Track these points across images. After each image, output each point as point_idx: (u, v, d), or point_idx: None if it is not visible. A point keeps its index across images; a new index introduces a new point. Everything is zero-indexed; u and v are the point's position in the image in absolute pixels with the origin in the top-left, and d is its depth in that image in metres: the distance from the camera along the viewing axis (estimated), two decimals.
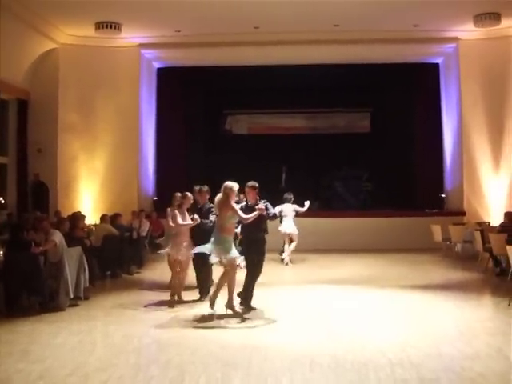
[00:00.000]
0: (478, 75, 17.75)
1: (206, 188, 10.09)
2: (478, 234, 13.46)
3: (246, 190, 9.05)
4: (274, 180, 19.24)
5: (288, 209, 14.35)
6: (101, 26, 16.39)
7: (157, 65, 19.48)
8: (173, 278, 9.85)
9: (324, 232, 16.04)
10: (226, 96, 21.37)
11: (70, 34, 17.36)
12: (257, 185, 9.10)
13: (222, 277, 8.76)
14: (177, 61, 19.27)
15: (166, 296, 9.85)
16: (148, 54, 18.62)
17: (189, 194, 9.84)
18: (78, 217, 12.82)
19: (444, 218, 17.21)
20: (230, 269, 8.66)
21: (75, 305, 9.41)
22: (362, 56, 18.20)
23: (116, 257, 12.52)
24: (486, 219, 17.18)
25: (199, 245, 8.93)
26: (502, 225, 13.31)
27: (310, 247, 15.93)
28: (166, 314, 8.89)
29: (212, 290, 9.03)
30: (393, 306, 9.50)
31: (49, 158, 17.36)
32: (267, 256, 9.13)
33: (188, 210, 9.75)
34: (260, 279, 10.63)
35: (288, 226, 14.38)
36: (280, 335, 7.59)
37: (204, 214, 9.65)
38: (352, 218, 17.43)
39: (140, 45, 18.13)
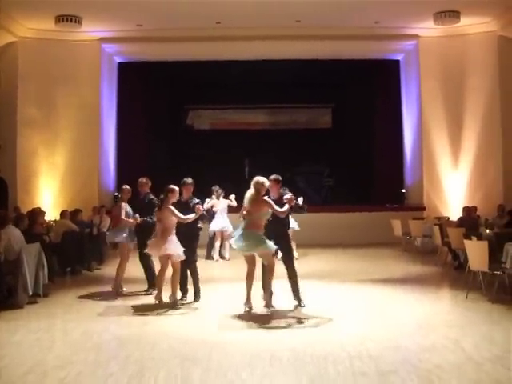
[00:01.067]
0: (437, 72, 18.00)
1: (190, 180, 9.43)
2: (437, 229, 13.65)
3: (269, 184, 8.72)
4: (237, 174, 19.29)
5: (221, 204, 14.35)
6: (61, 19, 16.15)
7: (118, 59, 19.29)
8: (159, 275, 9.19)
9: None
10: (187, 91, 21.34)
11: (30, 28, 17.09)
12: (280, 178, 8.92)
13: (265, 274, 8.66)
14: (138, 55, 19.13)
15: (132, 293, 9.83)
16: (109, 48, 18.44)
17: (176, 188, 9.08)
18: (37, 213, 12.68)
19: (404, 212, 17.41)
20: (268, 263, 8.58)
21: (34, 302, 9.28)
22: (324, 52, 18.31)
23: (76, 253, 12.41)
24: (445, 214, 17.44)
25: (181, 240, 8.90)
26: (460, 219, 13.57)
27: None
28: (126, 310, 8.83)
29: (265, 292, 8.76)
30: (353, 299, 9.59)
31: (8, 154, 17.09)
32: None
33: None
34: (222, 274, 10.69)
35: (221, 222, 14.37)
36: (240, 330, 7.61)
37: (191, 210, 8.98)
38: (313, 213, 17.37)
39: (101, 39, 17.94)
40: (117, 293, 9.83)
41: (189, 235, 9.03)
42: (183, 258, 8.89)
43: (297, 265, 9.01)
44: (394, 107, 19.45)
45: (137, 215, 9.69)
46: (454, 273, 12.20)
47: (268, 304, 8.69)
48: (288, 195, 8.61)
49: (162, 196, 8.97)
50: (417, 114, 18.46)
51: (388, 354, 6.39)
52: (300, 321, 8.07)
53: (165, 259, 8.96)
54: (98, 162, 18.04)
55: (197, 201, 9.24)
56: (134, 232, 10.01)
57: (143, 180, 10.20)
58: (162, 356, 6.42)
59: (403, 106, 19.35)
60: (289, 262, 8.90)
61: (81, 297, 9.91)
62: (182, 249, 8.83)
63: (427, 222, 16.01)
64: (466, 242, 9.85)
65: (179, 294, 9.17)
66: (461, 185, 17.72)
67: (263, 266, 8.75)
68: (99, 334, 7.40)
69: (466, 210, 13.74)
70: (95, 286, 10.97)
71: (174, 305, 8.82)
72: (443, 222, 14.93)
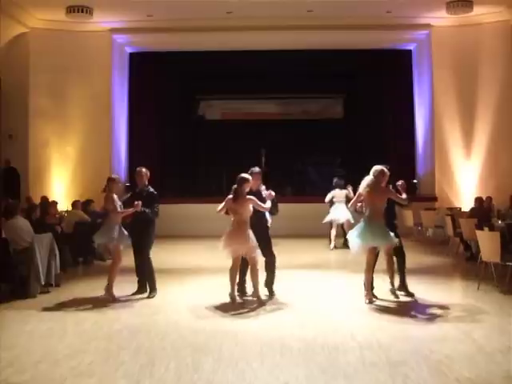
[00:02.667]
0: (450, 62, 17.87)
1: (257, 169, 8.96)
2: (448, 219, 13.60)
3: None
4: (250, 164, 19.29)
5: (340, 195, 14.30)
6: (72, 9, 16.16)
7: (129, 50, 19.31)
8: (232, 271, 8.67)
9: (296, 217, 16.10)
10: (198, 81, 21.37)
11: (41, 18, 17.13)
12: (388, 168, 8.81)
13: (389, 263, 8.63)
14: (149, 46, 19.14)
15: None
16: (120, 38, 18.44)
17: (249, 177, 8.53)
18: (49, 203, 12.74)
19: (416, 203, 17.26)
20: (388, 254, 8.55)
21: (46, 292, 9.36)
22: (335, 42, 18.26)
23: (88, 243, 12.43)
24: (457, 204, 17.38)
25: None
26: (472, 210, 13.51)
27: (283, 233, 15.95)
28: (137, 300, 8.85)
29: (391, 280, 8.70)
30: (363, 290, 9.57)
31: (20, 144, 17.13)
32: None
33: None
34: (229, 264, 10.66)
35: (341, 213, 14.36)
36: (251, 320, 7.62)
37: (262, 201, 8.52)
38: (324, 203, 17.41)
39: (112, 29, 17.94)
40: (110, 297, 8.88)
41: (259, 228, 8.64)
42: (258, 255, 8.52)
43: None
44: (406, 97, 19.35)
45: (138, 202, 8.75)
46: (465, 264, 12.17)
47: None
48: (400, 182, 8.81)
49: (234, 186, 8.48)
50: (429, 104, 18.36)
51: (398, 345, 6.38)
52: (310, 311, 8.07)
53: (239, 256, 8.52)
54: (109, 152, 18.07)
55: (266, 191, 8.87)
56: (130, 230, 9.10)
57: (142, 170, 9.25)
58: (172, 346, 6.45)
59: (415, 97, 19.24)
60: (401, 252, 8.87)
61: (92, 286, 9.96)
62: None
63: (439, 212, 15.96)
64: (478, 232, 9.81)
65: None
66: (473, 175, 17.63)
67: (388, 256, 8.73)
68: (110, 324, 7.44)
69: (478, 200, 13.68)
70: (107, 275, 10.97)
71: (260, 303, 8.44)
72: (455, 213, 14.89)
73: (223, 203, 8.52)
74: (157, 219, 9.24)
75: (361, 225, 8.49)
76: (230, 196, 8.48)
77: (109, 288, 8.91)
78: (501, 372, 5.53)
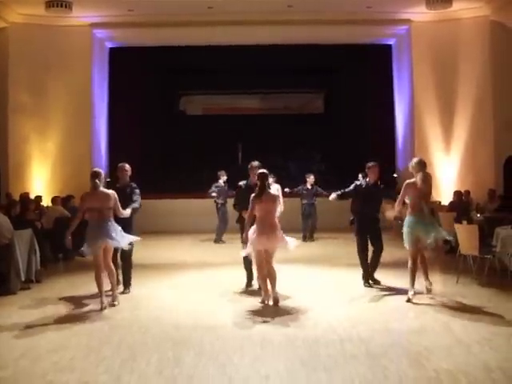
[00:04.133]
0: (429, 57, 17.96)
1: (256, 163, 8.61)
2: None
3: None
4: (230, 159, 19.43)
5: None
6: (51, 4, 15.93)
7: (109, 44, 19.18)
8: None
9: None
10: (179, 77, 21.31)
11: (20, 13, 16.94)
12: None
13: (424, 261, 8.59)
14: (130, 41, 19.05)
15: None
16: (100, 33, 18.31)
17: (266, 172, 8.09)
18: (29, 199, 12.69)
19: (396, 197, 17.39)
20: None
21: (27, 288, 9.33)
22: (316, 37, 18.28)
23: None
24: (437, 198, 17.46)
25: None
26: (451, 204, 13.63)
27: None
28: (119, 295, 8.84)
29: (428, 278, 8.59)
30: (344, 283, 9.66)
31: None
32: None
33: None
34: (211, 259, 10.68)
35: None
36: (232, 314, 7.64)
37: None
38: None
39: (92, 24, 17.80)
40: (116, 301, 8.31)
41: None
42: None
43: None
44: (386, 92, 19.45)
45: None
46: (444, 257, 12.29)
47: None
48: None
49: (257, 183, 8.05)
50: (409, 99, 18.46)
51: (378, 337, 6.45)
52: (291, 304, 8.10)
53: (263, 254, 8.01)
54: (89, 147, 17.98)
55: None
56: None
57: (125, 166, 9.11)
58: (154, 340, 6.47)
59: (395, 91, 19.36)
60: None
61: (73, 282, 9.95)
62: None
63: None
64: (457, 226, 9.92)
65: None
66: (452, 170, 17.75)
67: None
68: (92, 319, 7.44)
69: (457, 194, 13.81)
70: (88, 271, 10.90)
71: (276, 301, 8.06)
72: (435, 207, 14.98)
73: (250, 205, 7.93)
74: (138, 215, 9.19)
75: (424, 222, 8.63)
76: (253, 195, 7.95)
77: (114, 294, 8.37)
78: (479, 363, 5.60)
